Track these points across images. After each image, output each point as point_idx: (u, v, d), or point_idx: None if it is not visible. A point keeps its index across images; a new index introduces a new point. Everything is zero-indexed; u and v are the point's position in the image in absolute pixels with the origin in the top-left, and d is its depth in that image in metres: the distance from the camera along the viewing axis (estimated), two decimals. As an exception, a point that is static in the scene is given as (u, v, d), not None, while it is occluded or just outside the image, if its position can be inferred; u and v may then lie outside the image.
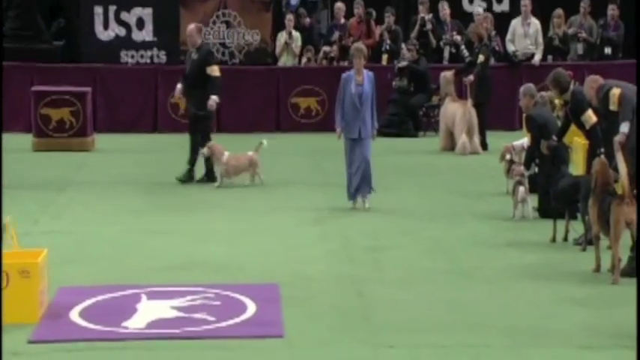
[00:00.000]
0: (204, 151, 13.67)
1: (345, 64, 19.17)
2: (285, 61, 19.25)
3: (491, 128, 16.67)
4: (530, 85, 12.28)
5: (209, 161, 13.92)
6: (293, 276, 9.34)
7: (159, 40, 19.42)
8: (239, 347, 7.50)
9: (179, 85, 14.33)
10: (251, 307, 8.31)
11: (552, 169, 10.91)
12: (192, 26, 14.49)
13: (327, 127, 18.67)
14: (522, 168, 11.64)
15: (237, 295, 8.62)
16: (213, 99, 13.92)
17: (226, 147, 13.96)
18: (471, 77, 16.36)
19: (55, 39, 19.77)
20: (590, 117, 10.51)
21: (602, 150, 10.15)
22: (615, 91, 9.40)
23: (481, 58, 16.46)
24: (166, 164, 15.16)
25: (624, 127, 9.28)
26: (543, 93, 12.77)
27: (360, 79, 11.75)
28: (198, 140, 13.91)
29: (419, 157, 16.11)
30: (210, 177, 13.94)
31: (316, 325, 7.98)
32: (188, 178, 13.91)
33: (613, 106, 9.43)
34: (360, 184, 11.88)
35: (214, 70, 14.03)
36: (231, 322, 7.96)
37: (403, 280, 9.21)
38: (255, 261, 9.91)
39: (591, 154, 10.55)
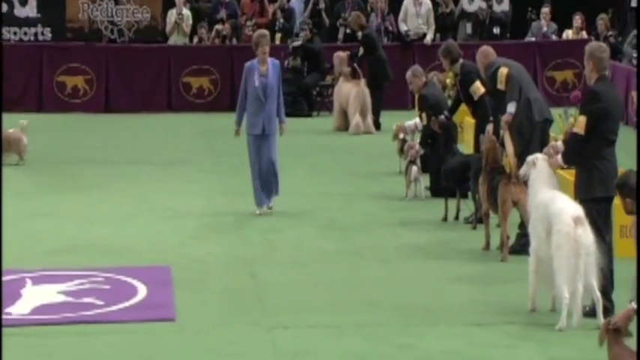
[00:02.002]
0: None
1: (236, 42, 19.09)
2: (175, 39, 19.01)
3: (383, 108, 16.83)
4: (416, 67, 12.43)
5: None
6: (184, 258, 9.26)
7: (43, 16, 18.91)
8: (129, 331, 7.41)
9: None
10: (141, 291, 8.21)
11: (444, 148, 11.08)
12: None
13: (220, 107, 18.59)
14: (418, 146, 11.79)
15: (126, 278, 8.51)
16: None
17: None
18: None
19: None
20: (479, 88, 10.69)
21: (492, 119, 10.30)
22: (503, 70, 9.57)
23: (361, 51, 16.59)
24: (52, 144, 14.82)
25: (511, 107, 9.48)
26: (434, 73, 12.95)
27: (264, 70, 10.66)
28: None
29: (312, 137, 16.15)
30: None
31: (209, 307, 7.94)
32: None
33: (500, 85, 9.61)
34: (264, 186, 10.79)
35: None
36: (120, 305, 7.86)
37: (296, 261, 9.24)
38: (145, 243, 9.79)
39: (478, 130, 10.72)
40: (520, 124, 9.45)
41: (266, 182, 10.78)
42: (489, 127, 10.31)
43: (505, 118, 9.46)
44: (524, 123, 9.46)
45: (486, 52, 10.10)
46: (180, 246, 9.70)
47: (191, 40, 19.20)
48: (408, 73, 12.23)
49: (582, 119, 7.57)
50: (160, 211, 11.11)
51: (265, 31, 11.31)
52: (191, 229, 10.34)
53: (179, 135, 16.12)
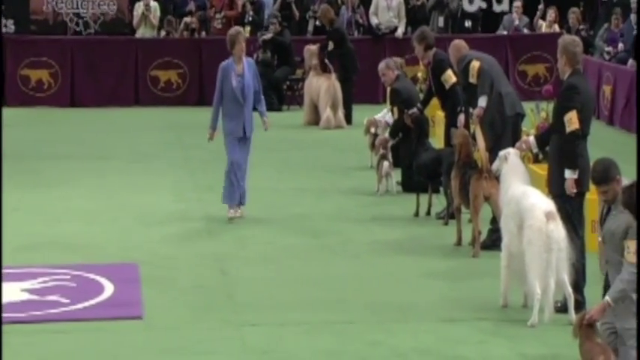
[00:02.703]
0: None
1: (205, 35, 19.02)
2: (143, 32, 18.92)
3: (355, 102, 16.84)
4: (388, 60, 12.45)
5: None
6: (153, 255, 9.23)
7: (6, 8, 18.74)
8: (95, 330, 7.37)
9: None
10: (108, 288, 8.17)
11: (416, 142, 11.11)
12: None
13: (189, 101, 18.54)
14: (387, 136, 11.80)
15: (93, 276, 8.47)
16: None
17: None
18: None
19: None
20: (450, 76, 10.72)
21: (463, 108, 10.32)
22: (475, 64, 9.62)
23: (331, 45, 16.60)
24: (16, 139, 14.70)
25: (482, 101, 9.53)
26: (396, 59, 13.01)
27: (240, 69, 10.29)
28: None
29: (283, 131, 16.13)
30: None
31: (177, 305, 7.92)
32: None
33: (472, 79, 9.67)
34: (243, 188, 10.43)
35: None
36: (86, 303, 7.82)
37: (267, 258, 9.23)
38: (112, 240, 9.74)
39: (448, 123, 10.71)
40: (492, 119, 9.50)
41: (240, 184, 10.39)
42: (461, 118, 10.34)
43: (476, 112, 9.51)
44: (496, 117, 9.51)
45: (459, 45, 10.14)
46: (148, 243, 9.66)
47: (159, 32, 19.11)
48: (382, 65, 12.23)
49: (573, 114, 7.54)
50: (127, 207, 11.05)
51: (240, 28, 10.99)
52: (159, 226, 10.29)
53: (147, 129, 16.06)
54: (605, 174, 6.24)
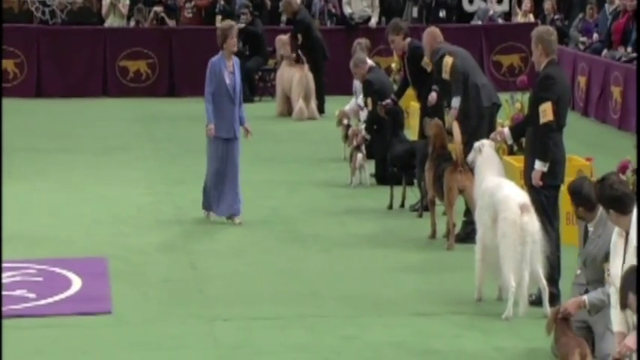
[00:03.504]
0: None
1: (175, 25, 18.93)
2: (112, 21, 18.81)
3: (328, 93, 16.85)
4: (359, 56, 12.44)
5: None
6: (122, 249, 9.20)
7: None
8: (63, 325, 7.34)
9: None
10: (76, 283, 8.14)
11: (390, 134, 11.13)
12: None
13: (159, 92, 18.47)
14: (364, 132, 11.82)
15: (60, 270, 8.43)
16: None
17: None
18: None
19: None
20: (428, 64, 10.61)
21: (436, 87, 10.20)
22: (448, 60, 9.58)
23: (300, 38, 16.58)
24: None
25: (455, 102, 9.52)
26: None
27: (231, 66, 9.97)
28: None
29: (254, 123, 15.97)
30: None
31: (147, 299, 7.91)
32: None
33: (445, 75, 9.64)
34: (222, 194, 9.99)
35: None
36: (53, 299, 7.78)
37: (238, 251, 9.23)
38: (80, 234, 9.71)
39: (423, 114, 10.64)
40: (468, 111, 9.53)
41: (227, 190, 9.95)
42: (433, 95, 10.20)
43: (452, 114, 9.53)
44: (472, 109, 9.54)
45: (434, 33, 10.11)
46: (117, 236, 9.63)
47: (128, 22, 19.01)
48: (351, 64, 12.28)
49: (547, 106, 7.56)
50: (96, 201, 11.00)
51: (232, 22, 10.58)
52: (129, 219, 10.26)
53: (115, 121, 15.98)
54: (588, 199, 6.32)
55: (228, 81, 9.97)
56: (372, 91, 11.76)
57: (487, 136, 8.42)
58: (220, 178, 10.01)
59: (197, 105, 18.38)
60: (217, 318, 7.51)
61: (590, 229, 6.58)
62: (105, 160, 13.16)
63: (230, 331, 7.26)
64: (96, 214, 10.46)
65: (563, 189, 8.13)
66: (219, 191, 10.01)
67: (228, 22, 10.46)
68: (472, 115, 9.54)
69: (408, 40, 11.00)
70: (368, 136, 11.78)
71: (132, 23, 18.98)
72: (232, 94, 10.00)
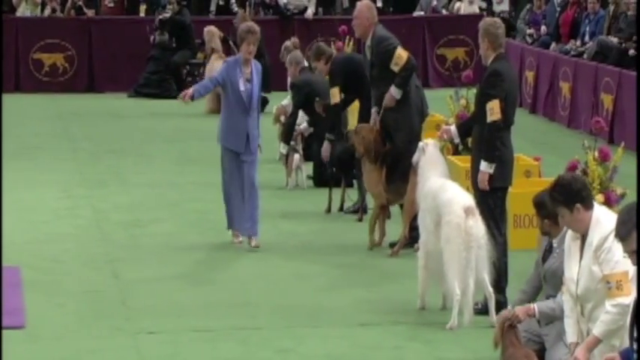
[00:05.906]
0: None
1: (94, 15, 18.79)
2: (24, 10, 18.62)
3: (263, 88, 16.85)
4: (294, 54, 12.42)
5: None
6: (37, 257, 9.14)
7: None
8: (-28, 341, 7.25)
9: None
10: (-14, 295, 8.04)
11: (335, 135, 11.12)
12: None
13: (77, 87, 18.34)
14: (305, 125, 11.83)
15: (-31, 281, 8.31)
16: None
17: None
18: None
19: None
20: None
21: (377, 109, 10.18)
22: (402, 55, 9.42)
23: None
24: None
25: (397, 94, 9.40)
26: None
27: (248, 73, 9.42)
28: None
29: (182, 120, 16.08)
30: None
31: (65, 312, 7.86)
32: None
33: (395, 67, 9.46)
34: (243, 213, 9.50)
35: None
36: (-38, 312, 7.67)
37: (164, 259, 9.21)
38: (-9, 241, 9.59)
39: (363, 110, 10.60)
40: (410, 114, 9.46)
41: (243, 209, 9.48)
42: (374, 116, 10.06)
43: (388, 98, 9.39)
44: (415, 111, 9.51)
45: (371, 6, 9.72)
46: (31, 243, 9.55)
47: (42, 10, 18.84)
48: (287, 59, 12.29)
49: (495, 104, 7.63)
50: (8, 205, 10.87)
51: (255, 26, 9.69)
52: (44, 225, 10.19)
53: (29, 119, 15.86)
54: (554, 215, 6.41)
55: (242, 87, 9.40)
56: (298, 95, 11.64)
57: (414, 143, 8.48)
58: (230, 194, 9.55)
59: (118, 101, 18.37)
60: (141, 331, 7.49)
61: (555, 244, 6.63)
62: (18, 161, 13.02)
63: (155, 345, 7.25)
64: (8, 219, 10.33)
65: (511, 190, 8.25)
66: (232, 207, 9.57)
67: (248, 26, 9.68)
68: (414, 117, 9.52)
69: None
70: (310, 129, 11.78)
71: (47, 12, 18.81)
72: (247, 103, 9.42)
